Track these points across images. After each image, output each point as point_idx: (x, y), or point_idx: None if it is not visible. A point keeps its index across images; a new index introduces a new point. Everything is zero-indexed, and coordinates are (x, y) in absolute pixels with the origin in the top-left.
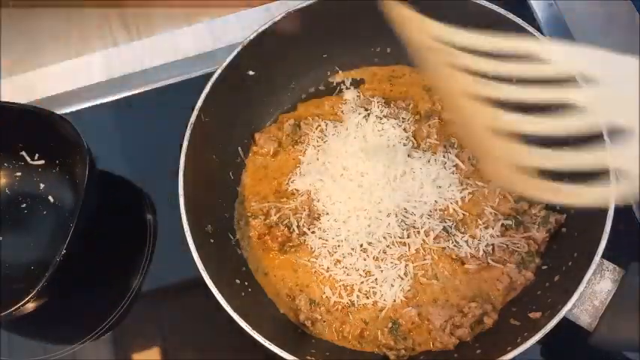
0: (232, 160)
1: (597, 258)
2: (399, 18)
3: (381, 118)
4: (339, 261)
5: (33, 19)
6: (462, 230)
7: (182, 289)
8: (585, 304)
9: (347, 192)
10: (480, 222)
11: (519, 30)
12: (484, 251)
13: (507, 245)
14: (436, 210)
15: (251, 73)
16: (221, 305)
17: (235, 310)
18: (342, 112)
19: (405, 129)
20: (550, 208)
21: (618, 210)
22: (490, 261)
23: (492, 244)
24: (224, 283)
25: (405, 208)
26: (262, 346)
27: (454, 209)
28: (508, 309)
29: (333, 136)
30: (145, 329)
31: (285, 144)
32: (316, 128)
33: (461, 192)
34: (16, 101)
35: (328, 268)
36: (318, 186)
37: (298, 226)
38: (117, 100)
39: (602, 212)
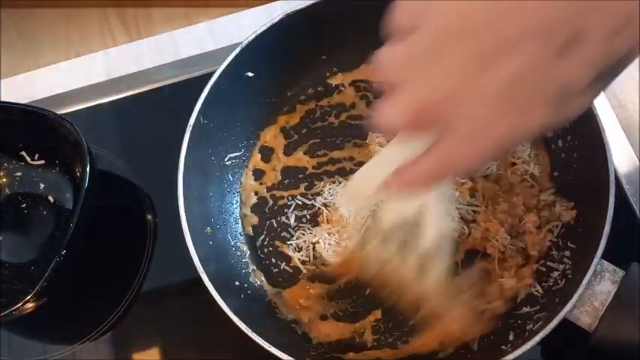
0: (232, 161)
1: (597, 259)
2: None
3: None
4: None
5: (33, 19)
6: None
7: (182, 289)
8: (585, 305)
9: None
10: None
11: None
12: None
13: None
14: None
15: (250, 74)
16: (220, 307)
17: (234, 312)
18: None
19: None
20: None
21: (618, 211)
22: None
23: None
24: (223, 285)
25: None
26: (261, 347)
27: None
28: (508, 310)
29: None
30: (145, 329)
31: None
32: None
33: None
34: (16, 101)
35: None
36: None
37: None
38: (117, 100)
39: (601, 212)
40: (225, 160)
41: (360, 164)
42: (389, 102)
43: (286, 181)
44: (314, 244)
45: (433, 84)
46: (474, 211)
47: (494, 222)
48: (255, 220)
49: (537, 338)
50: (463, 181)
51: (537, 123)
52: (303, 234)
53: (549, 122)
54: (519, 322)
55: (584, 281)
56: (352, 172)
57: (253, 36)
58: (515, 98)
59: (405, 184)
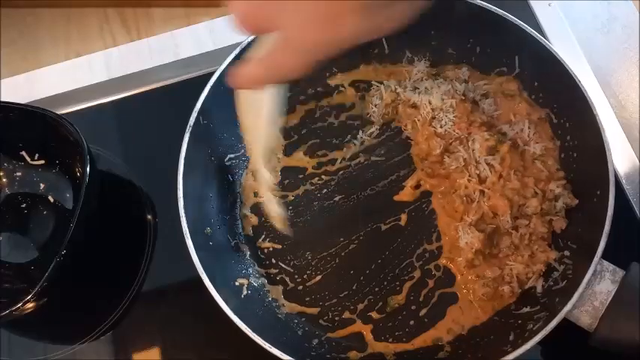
0: (231, 162)
1: (597, 259)
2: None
3: None
4: None
5: (33, 19)
6: None
7: (182, 289)
8: (585, 305)
9: None
10: None
11: (519, 31)
12: None
13: None
14: None
15: None
16: (221, 307)
17: (234, 312)
18: None
19: None
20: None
21: (618, 211)
22: None
23: None
24: (223, 285)
25: None
26: (262, 347)
27: None
28: (508, 310)
29: None
30: (145, 329)
31: None
32: None
33: None
34: (16, 101)
35: None
36: None
37: None
38: (117, 100)
39: (601, 212)
40: (225, 160)
41: (360, 163)
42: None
43: (286, 182)
44: None
45: None
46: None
47: (503, 200)
48: (255, 220)
49: (537, 338)
50: (488, 137)
51: (349, 30)
52: None
53: (363, 31)
54: (519, 322)
55: (584, 281)
56: (352, 171)
57: (253, 36)
58: (325, 5)
59: (235, 82)
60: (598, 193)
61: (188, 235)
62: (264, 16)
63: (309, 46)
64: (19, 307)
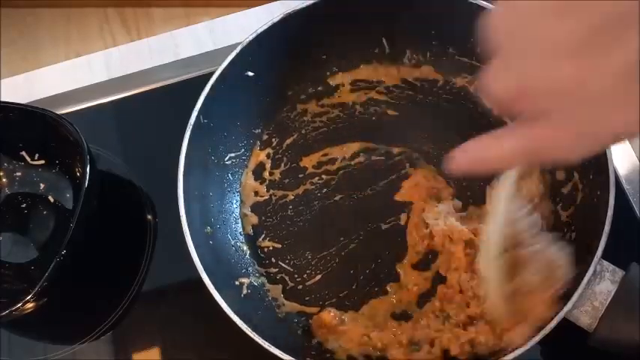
0: (232, 161)
1: (597, 259)
2: None
3: None
4: None
5: (33, 19)
6: None
7: (182, 289)
8: (585, 305)
9: None
10: None
11: None
12: None
13: None
14: None
15: (250, 74)
16: (221, 306)
17: (234, 312)
18: None
19: None
20: None
21: (618, 211)
22: None
23: None
24: (223, 284)
25: None
26: (262, 346)
27: None
28: None
29: None
30: (145, 329)
31: None
32: None
33: None
34: (16, 101)
35: None
36: None
37: None
38: (117, 100)
39: (601, 212)
40: (226, 159)
41: (360, 163)
42: (491, 73)
43: (286, 181)
44: None
45: (535, 69)
46: None
47: None
48: (255, 219)
49: (537, 338)
50: None
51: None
52: None
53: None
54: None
55: (584, 281)
56: (352, 171)
57: (253, 36)
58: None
59: (478, 162)
60: (598, 193)
61: (188, 234)
62: (534, 100)
63: (603, 132)
64: (19, 307)
